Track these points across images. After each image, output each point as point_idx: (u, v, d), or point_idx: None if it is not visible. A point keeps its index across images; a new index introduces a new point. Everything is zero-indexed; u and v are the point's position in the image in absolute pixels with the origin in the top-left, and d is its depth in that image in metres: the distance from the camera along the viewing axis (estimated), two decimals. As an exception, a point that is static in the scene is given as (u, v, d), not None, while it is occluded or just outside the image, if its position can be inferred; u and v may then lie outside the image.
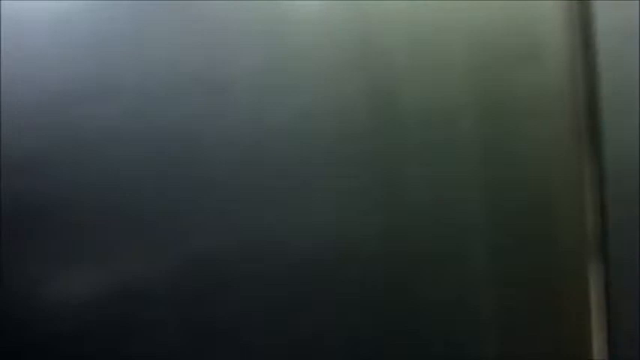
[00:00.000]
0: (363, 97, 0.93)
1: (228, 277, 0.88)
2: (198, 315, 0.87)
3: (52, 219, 0.82)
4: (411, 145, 0.93)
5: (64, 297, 0.85)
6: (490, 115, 0.95)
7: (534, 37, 0.95)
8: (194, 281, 0.87)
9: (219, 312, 0.88)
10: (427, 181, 0.92)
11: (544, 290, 0.96)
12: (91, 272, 0.84)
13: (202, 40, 0.85)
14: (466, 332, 0.95)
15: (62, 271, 0.85)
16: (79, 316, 0.83)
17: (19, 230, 0.81)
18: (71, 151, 0.82)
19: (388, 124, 0.93)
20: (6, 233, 0.80)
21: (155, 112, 0.84)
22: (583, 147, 0.95)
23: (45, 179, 0.81)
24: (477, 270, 0.94)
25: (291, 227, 0.90)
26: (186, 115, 0.85)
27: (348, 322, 0.91)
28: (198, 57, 0.85)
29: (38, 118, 0.80)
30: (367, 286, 0.92)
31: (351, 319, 0.91)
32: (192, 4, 0.85)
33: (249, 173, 0.87)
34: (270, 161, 0.89)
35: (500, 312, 0.95)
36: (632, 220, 0.94)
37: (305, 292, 0.89)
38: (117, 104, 0.83)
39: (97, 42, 0.82)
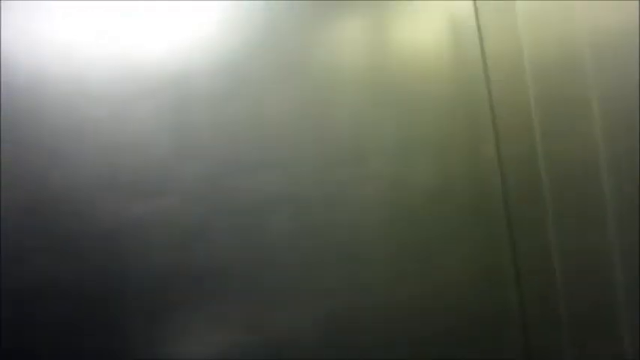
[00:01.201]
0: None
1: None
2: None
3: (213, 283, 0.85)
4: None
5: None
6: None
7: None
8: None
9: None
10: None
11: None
12: (239, 335, 0.85)
13: (345, 117, 0.93)
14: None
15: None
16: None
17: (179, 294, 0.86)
18: (230, 219, 0.89)
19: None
20: (170, 301, 0.85)
21: (307, 182, 0.91)
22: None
23: (207, 246, 0.84)
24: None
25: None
26: (333, 182, 0.91)
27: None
28: (342, 131, 0.93)
29: (201, 187, 0.83)
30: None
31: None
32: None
33: (388, 236, 0.91)
34: (405, 232, 0.91)
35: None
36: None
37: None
38: (271, 174, 0.87)
39: (250, 121, 0.89)
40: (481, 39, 0.97)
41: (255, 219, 0.88)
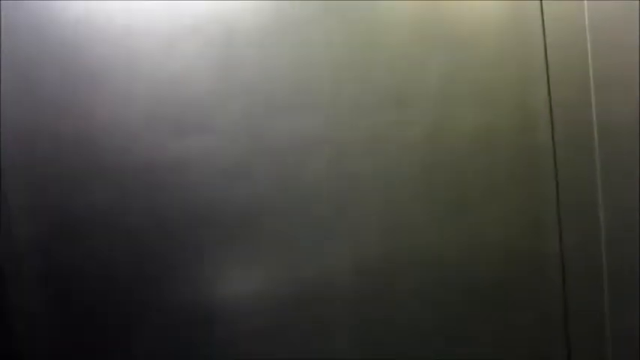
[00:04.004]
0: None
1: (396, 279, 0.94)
2: (371, 314, 0.92)
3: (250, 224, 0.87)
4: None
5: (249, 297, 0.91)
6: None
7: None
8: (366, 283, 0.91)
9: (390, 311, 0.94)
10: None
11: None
12: (274, 274, 0.89)
13: (389, 60, 0.91)
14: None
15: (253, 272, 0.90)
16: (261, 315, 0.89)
17: (217, 236, 0.87)
18: (270, 159, 0.87)
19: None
20: (208, 238, 0.87)
21: (347, 125, 0.89)
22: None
23: (246, 185, 0.86)
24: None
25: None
26: (373, 126, 0.89)
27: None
28: (385, 74, 0.91)
29: (242, 125, 0.85)
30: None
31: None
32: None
33: (424, 178, 0.91)
34: (445, 174, 0.92)
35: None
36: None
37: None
38: (312, 116, 0.88)
39: (293, 61, 0.89)
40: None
41: (293, 160, 0.88)
